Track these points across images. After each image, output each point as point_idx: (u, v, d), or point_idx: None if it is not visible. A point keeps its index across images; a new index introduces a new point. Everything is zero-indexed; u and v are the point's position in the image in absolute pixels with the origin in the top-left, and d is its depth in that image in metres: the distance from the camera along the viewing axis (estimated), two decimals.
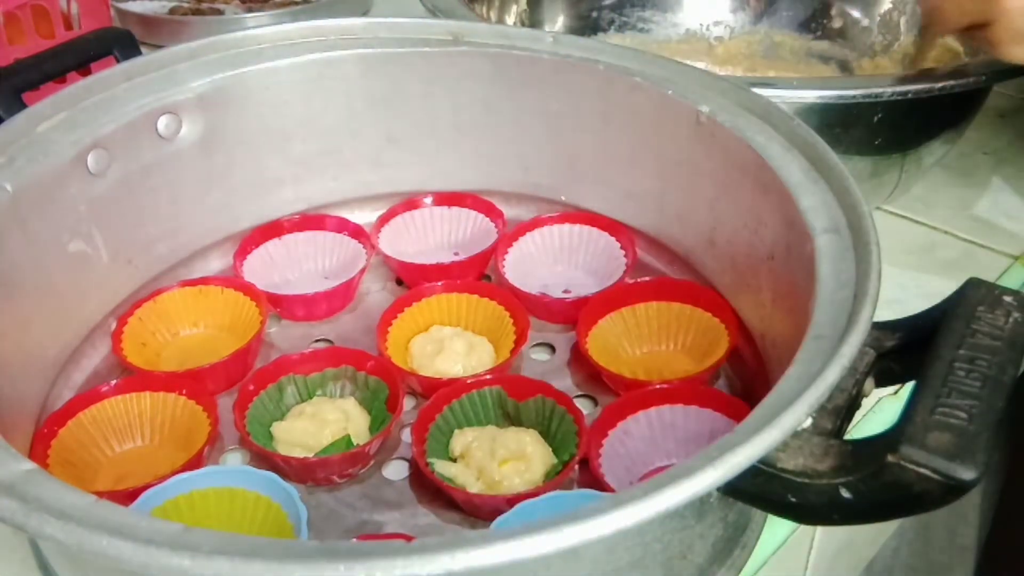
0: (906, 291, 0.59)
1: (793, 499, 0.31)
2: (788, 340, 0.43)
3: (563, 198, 0.58)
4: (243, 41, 0.54)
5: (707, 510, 0.34)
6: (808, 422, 0.31)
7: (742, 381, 0.50)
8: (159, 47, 0.52)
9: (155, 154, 0.51)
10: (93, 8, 0.76)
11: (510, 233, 0.57)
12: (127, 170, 0.50)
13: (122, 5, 0.94)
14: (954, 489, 0.28)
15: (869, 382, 0.35)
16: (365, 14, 1.00)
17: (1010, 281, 0.60)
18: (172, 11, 0.95)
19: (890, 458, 0.28)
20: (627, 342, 0.51)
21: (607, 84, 0.52)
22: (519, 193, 0.59)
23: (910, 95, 0.54)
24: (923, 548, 0.87)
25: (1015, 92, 0.80)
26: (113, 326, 0.51)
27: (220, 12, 0.95)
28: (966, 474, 0.27)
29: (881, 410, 0.50)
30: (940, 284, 0.38)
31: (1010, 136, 0.76)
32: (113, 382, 0.47)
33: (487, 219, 0.58)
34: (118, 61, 0.53)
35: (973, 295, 0.34)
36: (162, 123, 0.51)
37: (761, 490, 0.31)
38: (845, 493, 0.30)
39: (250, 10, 0.95)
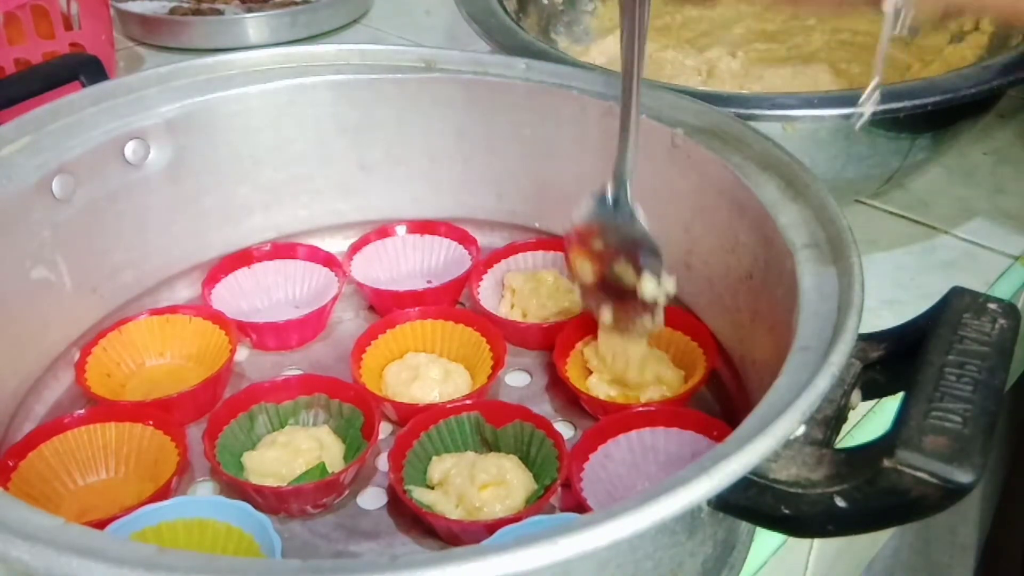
0: (906, 291, 0.58)
1: (786, 511, 0.30)
2: (768, 360, 0.43)
3: (537, 224, 0.58)
4: (213, 67, 0.54)
5: (698, 526, 0.33)
6: (801, 430, 0.31)
7: (721, 404, 0.49)
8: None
9: (122, 180, 0.50)
10: (93, 8, 0.75)
11: (484, 260, 0.56)
12: (93, 196, 0.49)
13: (122, 5, 0.93)
14: (951, 493, 0.27)
15: (856, 394, 0.35)
16: (365, 15, 1.00)
17: (1010, 281, 0.59)
18: (172, 11, 0.94)
19: (886, 463, 0.28)
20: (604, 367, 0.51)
21: (580, 109, 0.52)
22: (493, 220, 0.58)
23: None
24: (923, 548, 0.86)
25: (1015, 92, 0.78)
26: (76, 356, 0.49)
27: (220, 12, 0.93)
28: (964, 477, 0.27)
29: (862, 428, 0.50)
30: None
31: (1010, 136, 0.75)
32: (76, 413, 0.45)
33: (460, 247, 0.58)
34: (84, 86, 0.52)
35: (958, 304, 0.34)
36: (129, 148, 0.50)
37: (754, 503, 0.31)
38: (840, 502, 0.29)
39: (250, 10, 0.94)
